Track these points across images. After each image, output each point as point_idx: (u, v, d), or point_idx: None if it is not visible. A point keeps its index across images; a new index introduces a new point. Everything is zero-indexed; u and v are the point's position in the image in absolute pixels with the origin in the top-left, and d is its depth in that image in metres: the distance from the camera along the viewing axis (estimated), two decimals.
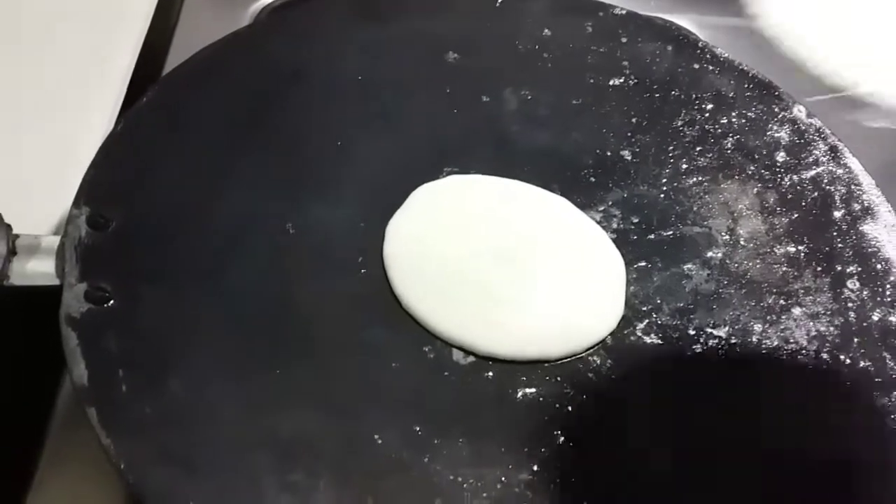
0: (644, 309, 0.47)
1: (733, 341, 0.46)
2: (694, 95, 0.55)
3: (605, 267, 0.49)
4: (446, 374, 0.43)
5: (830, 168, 0.52)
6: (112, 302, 0.41)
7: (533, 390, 0.43)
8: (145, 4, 0.58)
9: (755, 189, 0.52)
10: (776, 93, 0.55)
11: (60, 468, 0.43)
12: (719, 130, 0.54)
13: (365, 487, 0.39)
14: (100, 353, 0.39)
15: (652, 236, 0.50)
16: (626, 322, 0.46)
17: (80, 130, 0.51)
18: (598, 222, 0.50)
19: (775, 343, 0.46)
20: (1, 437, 0.43)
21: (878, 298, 0.47)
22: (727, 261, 0.49)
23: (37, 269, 0.41)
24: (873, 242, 0.48)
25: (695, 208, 0.51)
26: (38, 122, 0.47)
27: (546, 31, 0.57)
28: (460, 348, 0.44)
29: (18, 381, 0.45)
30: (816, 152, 0.53)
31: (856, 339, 0.46)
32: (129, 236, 0.43)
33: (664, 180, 0.52)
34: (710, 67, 0.56)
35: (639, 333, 0.46)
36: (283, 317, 0.44)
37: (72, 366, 0.38)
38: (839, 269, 0.48)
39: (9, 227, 0.41)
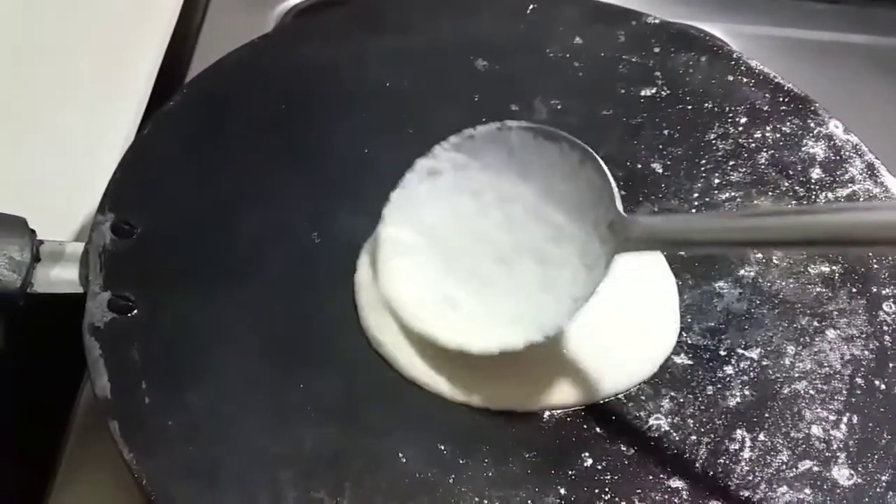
0: None
1: (765, 363, 0.45)
2: (727, 108, 0.54)
3: (657, 287, 0.46)
4: None
5: (867, 186, 0.51)
6: (135, 311, 0.41)
7: (559, 410, 0.42)
8: (170, 8, 0.57)
9: (789, 206, 0.51)
10: (812, 107, 0.54)
11: (78, 477, 0.43)
12: (753, 145, 0.53)
13: None
14: (123, 364, 0.39)
15: (682, 253, 0.49)
16: None
17: (104, 135, 0.51)
18: None
19: (808, 366, 0.45)
20: (20, 446, 0.43)
21: None
22: (760, 280, 0.48)
23: (61, 277, 0.41)
24: None
25: None
26: (61, 127, 0.47)
27: (577, 39, 0.56)
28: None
29: (37, 389, 0.45)
30: (853, 170, 0.51)
31: (891, 364, 0.44)
32: (153, 244, 0.43)
33: (696, 195, 0.51)
34: (745, 80, 0.55)
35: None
36: (307, 329, 0.43)
37: (94, 377, 0.38)
38: (875, 290, 0.47)
39: (33, 232, 0.41)
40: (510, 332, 0.41)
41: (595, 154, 0.41)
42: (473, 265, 0.43)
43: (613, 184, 0.40)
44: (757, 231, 0.37)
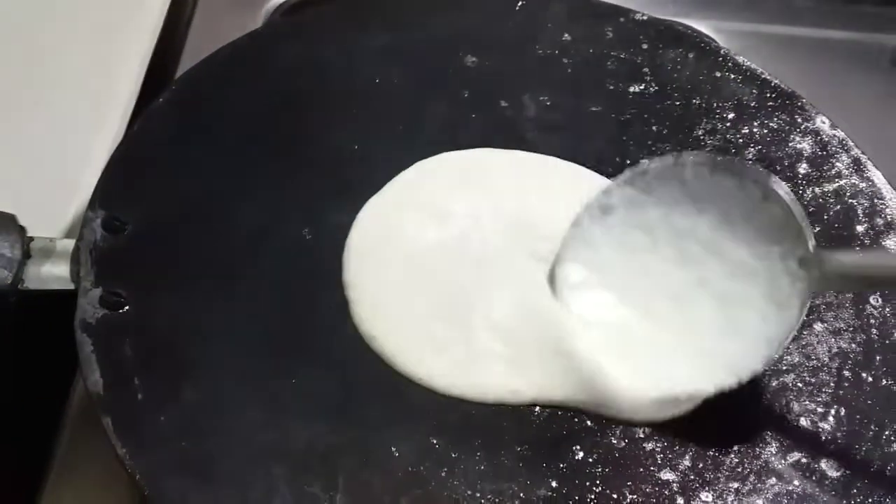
0: None
1: None
2: (715, 104, 0.55)
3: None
4: None
5: (853, 181, 0.51)
6: (127, 307, 0.41)
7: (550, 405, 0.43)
8: (158, 5, 0.57)
9: None
10: (799, 103, 0.54)
11: (71, 473, 0.43)
12: (741, 140, 0.53)
13: (382, 501, 0.38)
14: (115, 360, 0.39)
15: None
16: None
17: (94, 132, 0.50)
18: None
19: (796, 359, 0.45)
20: (13, 442, 0.43)
21: None
22: None
23: (52, 273, 0.41)
24: None
25: None
26: (51, 124, 0.47)
27: (566, 35, 0.56)
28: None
29: (30, 386, 0.45)
30: (839, 164, 0.52)
31: (878, 357, 0.45)
32: (144, 240, 0.43)
33: None
34: (732, 76, 0.55)
35: None
36: (300, 324, 0.43)
37: (87, 373, 0.38)
38: None
39: (23, 229, 0.41)
40: (696, 373, 0.40)
41: (780, 187, 0.39)
42: (646, 302, 0.42)
43: (803, 218, 0.38)
44: None
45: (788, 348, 0.45)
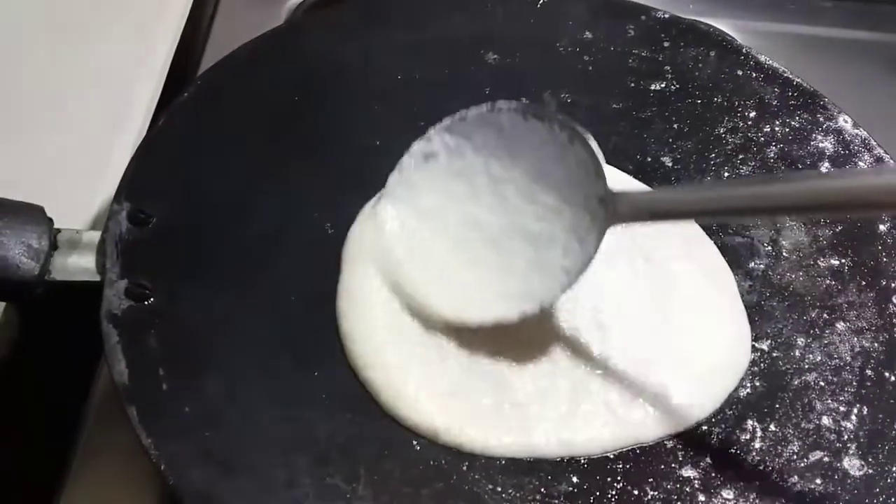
0: None
1: (775, 355, 0.45)
2: (737, 102, 0.54)
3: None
4: None
5: None
6: (152, 299, 0.41)
7: None
8: (182, 2, 0.57)
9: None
10: (821, 102, 0.54)
11: (95, 463, 0.43)
12: (762, 139, 0.53)
13: (403, 494, 0.39)
14: (140, 351, 0.39)
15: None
16: None
17: (120, 126, 0.51)
18: None
19: (819, 358, 0.45)
20: (36, 432, 0.43)
21: None
22: (770, 272, 0.48)
23: (78, 265, 0.41)
24: None
25: None
26: (78, 118, 0.47)
27: (587, 33, 0.56)
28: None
29: (55, 375, 0.45)
30: (861, 163, 0.52)
31: None
32: (169, 232, 0.43)
33: None
34: (754, 74, 0.55)
35: None
36: (322, 317, 0.43)
37: (112, 364, 0.38)
38: (884, 283, 0.47)
39: (51, 221, 0.41)
40: (505, 306, 0.42)
41: (583, 132, 0.41)
42: (467, 249, 0.44)
43: (602, 160, 0.41)
44: (742, 199, 0.38)
45: (810, 346, 0.45)
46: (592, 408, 0.42)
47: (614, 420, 0.41)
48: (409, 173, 0.46)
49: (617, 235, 0.41)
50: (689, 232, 0.49)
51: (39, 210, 0.41)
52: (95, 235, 0.42)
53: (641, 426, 0.41)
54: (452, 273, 0.44)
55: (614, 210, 0.40)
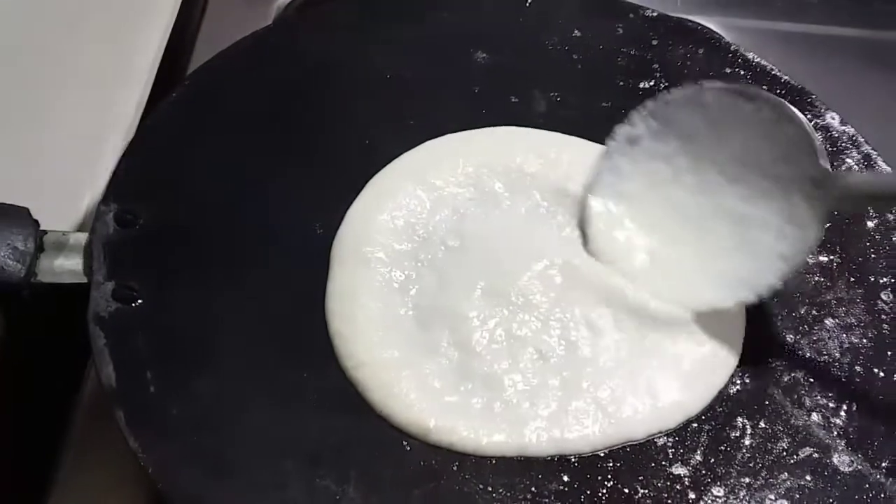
0: None
1: (765, 351, 0.45)
2: None
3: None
4: None
5: None
6: (140, 301, 0.41)
7: None
8: (170, 1, 0.57)
9: None
10: (808, 99, 0.54)
11: (83, 466, 0.43)
12: None
13: (394, 495, 0.39)
14: (128, 353, 0.39)
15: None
16: None
17: (107, 126, 0.50)
18: None
19: (808, 354, 0.45)
20: (25, 435, 0.43)
21: None
22: None
23: (64, 267, 0.41)
24: None
25: None
26: (64, 118, 0.47)
27: (576, 31, 0.56)
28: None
29: (42, 379, 0.45)
30: (849, 160, 0.52)
31: (889, 353, 0.45)
32: (157, 234, 0.43)
33: None
34: (742, 72, 0.55)
35: None
36: (312, 317, 0.43)
37: (100, 366, 0.38)
38: (872, 279, 0.47)
39: (36, 222, 0.41)
40: (719, 293, 0.42)
41: (794, 110, 0.41)
42: (671, 231, 0.44)
43: (816, 139, 0.40)
44: None
45: (800, 343, 0.45)
46: (583, 406, 0.42)
47: (605, 418, 0.41)
48: (615, 159, 0.46)
49: None
50: None
51: (25, 212, 0.40)
52: (82, 237, 0.42)
53: (632, 423, 0.41)
54: (657, 258, 0.44)
55: (831, 192, 0.39)
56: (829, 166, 0.39)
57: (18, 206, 0.41)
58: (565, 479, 0.40)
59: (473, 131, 0.52)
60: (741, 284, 0.41)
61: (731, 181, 0.43)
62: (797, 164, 0.40)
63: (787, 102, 0.41)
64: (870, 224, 0.49)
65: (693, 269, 0.43)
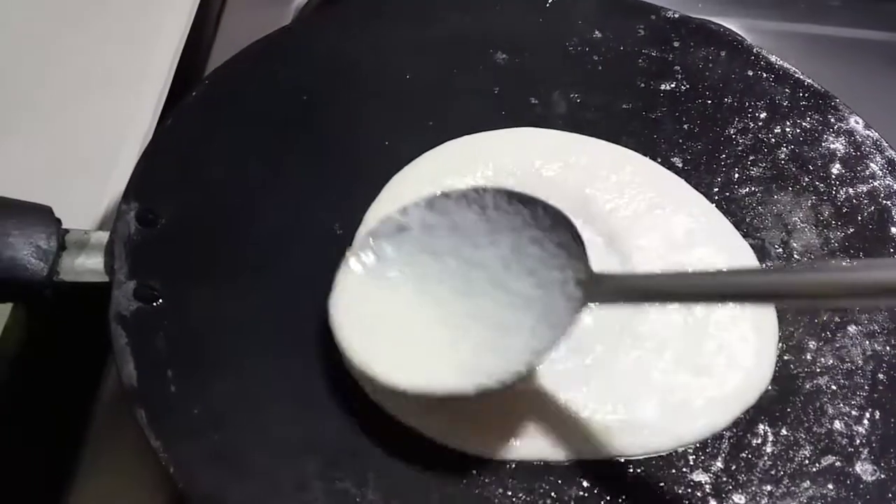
0: None
1: (787, 358, 0.45)
2: (747, 103, 0.54)
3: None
4: None
5: (888, 182, 0.51)
6: (161, 300, 0.41)
7: None
8: (189, 1, 0.57)
9: (810, 201, 0.51)
10: (832, 103, 0.54)
11: (103, 465, 0.43)
12: (773, 140, 0.53)
13: (413, 499, 0.38)
14: (149, 352, 0.39)
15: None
16: None
17: (128, 125, 0.50)
18: None
19: (830, 361, 0.45)
20: (44, 435, 0.43)
21: None
22: None
23: (86, 266, 0.41)
24: None
25: (747, 219, 0.50)
26: (85, 118, 0.47)
27: (597, 32, 0.56)
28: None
29: (62, 377, 0.45)
30: (873, 165, 0.51)
31: None
32: (178, 233, 0.43)
33: (716, 189, 0.51)
34: (765, 75, 0.55)
35: None
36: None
37: (121, 365, 0.38)
38: None
39: (59, 221, 0.41)
40: (459, 379, 0.39)
41: (567, 216, 0.41)
42: (425, 328, 0.42)
43: (586, 245, 0.40)
44: (717, 288, 0.37)
45: (822, 350, 0.45)
46: (607, 414, 0.41)
47: (628, 428, 0.41)
48: (380, 241, 0.43)
49: None
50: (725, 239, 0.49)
51: (48, 211, 0.40)
52: (104, 236, 0.42)
53: (654, 438, 0.41)
54: (402, 344, 0.41)
55: (593, 291, 0.39)
56: (590, 266, 0.39)
57: (41, 205, 0.41)
58: (585, 484, 0.40)
59: (492, 132, 0.51)
60: (485, 375, 0.39)
61: (497, 287, 0.41)
62: (565, 269, 0.40)
63: (562, 210, 0.41)
64: (893, 230, 0.49)
65: (439, 356, 0.41)
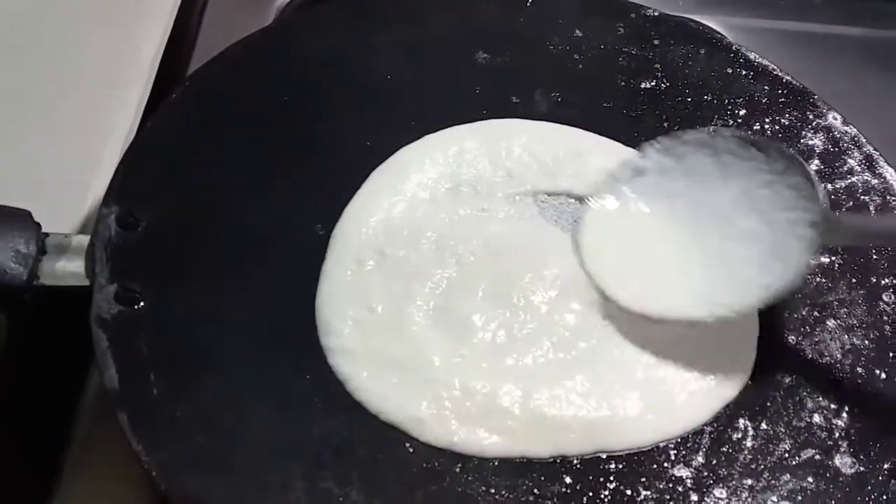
0: None
1: (766, 353, 0.45)
2: (727, 100, 0.54)
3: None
4: None
5: (865, 177, 0.51)
6: (142, 303, 0.41)
7: None
8: (170, 1, 0.57)
9: None
10: (811, 99, 0.54)
11: (86, 469, 0.43)
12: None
13: (396, 497, 0.39)
14: (131, 355, 0.39)
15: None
16: None
17: (107, 128, 0.50)
18: None
19: (809, 356, 0.45)
20: (27, 439, 0.43)
21: None
22: None
23: (67, 269, 0.41)
24: None
25: None
26: (65, 121, 0.47)
27: (577, 31, 0.56)
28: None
29: (44, 381, 0.45)
30: (851, 161, 0.52)
31: (891, 354, 0.45)
32: (158, 236, 0.43)
33: None
34: (744, 72, 0.55)
35: None
36: (314, 320, 0.43)
37: (103, 369, 0.38)
38: (874, 280, 0.47)
39: (38, 225, 0.41)
40: (696, 308, 0.43)
41: (801, 160, 0.43)
42: (659, 262, 0.46)
43: (820, 189, 0.42)
44: None
45: (801, 344, 0.45)
46: (590, 411, 0.42)
47: (611, 424, 0.41)
48: (619, 183, 0.48)
49: None
50: None
51: (27, 214, 0.40)
52: (84, 240, 0.42)
53: (637, 432, 0.41)
54: (641, 276, 0.45)
55: (826, 232, 0.41)
56: (825, 211, 0.41)
57: (20, 209, 0.40)
58: (567, 480, 0.40)
59: (471, 124, 0.52)
60: (718, 304, 0.42)
61: (724, 223, 0.45)
62: (795, 210, 0.42)
63: (795, 154, 0.44)
64: None
65: (675, 285, 0.44)
